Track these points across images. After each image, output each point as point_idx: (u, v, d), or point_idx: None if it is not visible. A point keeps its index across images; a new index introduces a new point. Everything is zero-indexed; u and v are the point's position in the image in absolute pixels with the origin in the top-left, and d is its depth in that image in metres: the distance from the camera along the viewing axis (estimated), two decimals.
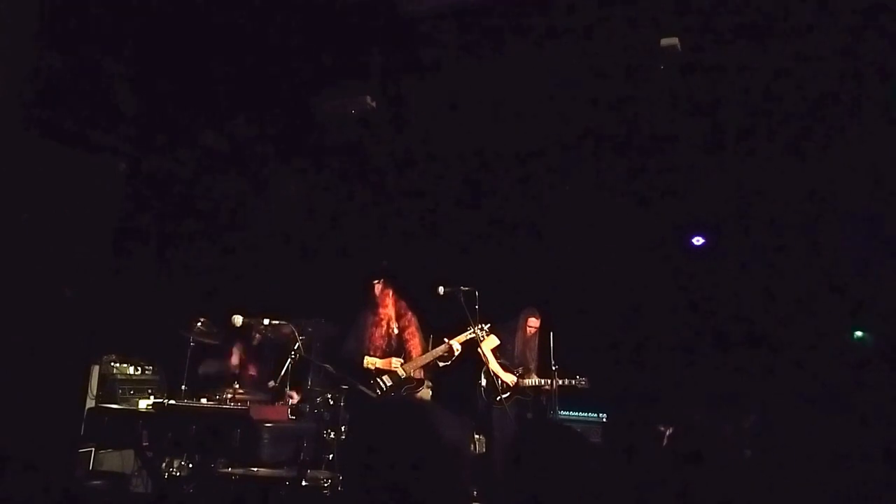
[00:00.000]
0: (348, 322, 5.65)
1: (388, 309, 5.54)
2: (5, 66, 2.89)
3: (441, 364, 5.52)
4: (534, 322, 6.70)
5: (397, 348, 5.49)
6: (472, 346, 5.72)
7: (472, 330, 5.45)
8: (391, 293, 5.57)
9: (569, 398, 6.73)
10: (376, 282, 5.58)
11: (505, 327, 6.52)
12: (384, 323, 5.49)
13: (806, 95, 5.20)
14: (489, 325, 5.66)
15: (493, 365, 6.22)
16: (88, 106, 4.11)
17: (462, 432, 1.63)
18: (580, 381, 6.51)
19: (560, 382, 6.44)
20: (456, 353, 5.50)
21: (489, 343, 6.32)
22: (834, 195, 6.41)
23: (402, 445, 1.53)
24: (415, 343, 5.50)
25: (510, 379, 6.40)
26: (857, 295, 6.86)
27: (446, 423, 1.57)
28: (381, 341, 5.46)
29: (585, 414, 7.04)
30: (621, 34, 4.62)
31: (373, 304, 5.56)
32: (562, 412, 6.71)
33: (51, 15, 3.32)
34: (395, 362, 5.41)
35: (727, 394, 6.50)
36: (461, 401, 6.39)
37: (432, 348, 5.51)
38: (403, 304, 5.62)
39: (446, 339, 5.47)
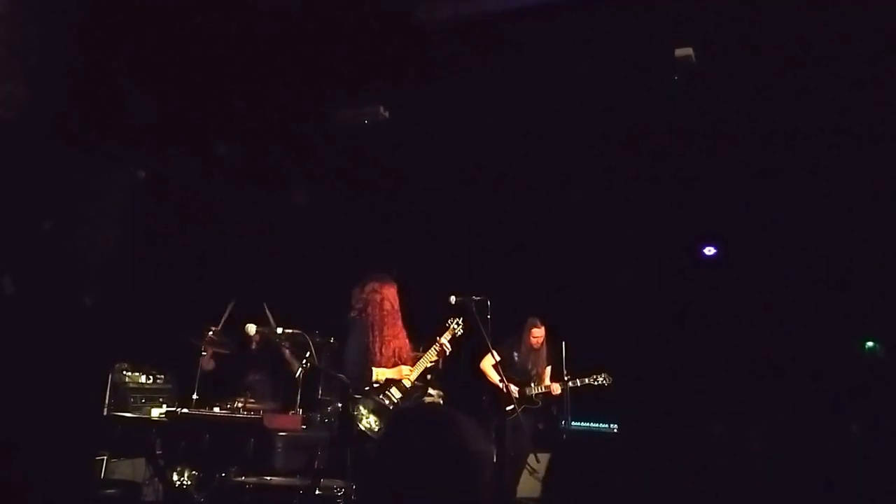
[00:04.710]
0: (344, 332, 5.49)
1: (398, 322, 5.36)
2: (29, 75, 2.90)
3: (433, 363, 5.45)
4: (537, 332, 6.57)
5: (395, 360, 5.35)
6: (458, 343, 5.68)
7: (451, 325, 5.41)
8: (398, 303, 5.41)
9: (580, 409, 6.69)
10: (389, 285, 5.38)
11: (511, 339, 6.48)
12: (391, 337, 5.28)
13: (817, 106, 5.21)
14: (461, 318, 5.46)
15: (495, 379, 6.30)
16: (107, 115, 4.13)
17: (487, 442, 1.60)
18: (600, 378, 6.42)
19: (577, 383, 6.41)
20: (447, 351, 5.43)
21: (489, 360, 6.35)
22: (844, 205, 6.40)
23: (429, 453, 1.50)
24: (408, 352, 5.35)
25: (514, 390, 6.35)
26: (869, 305, 6.84)
27: (472, 433, 1.54)
28: (389, 353, 5.26)
29: (597, 424, 7.00)
30: (636, 44, 4.63)
31: (379, 315, 5.31)
32: (574, 423, 6.66)
33: (75, 25, 3.34)
34: (405, 371, 5.31)
35: (740, 403, 6.47)
36: (475, 414, 6.34)
37: (422, 353, 5.46)
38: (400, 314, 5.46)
39: (438, 338, 5.38)
